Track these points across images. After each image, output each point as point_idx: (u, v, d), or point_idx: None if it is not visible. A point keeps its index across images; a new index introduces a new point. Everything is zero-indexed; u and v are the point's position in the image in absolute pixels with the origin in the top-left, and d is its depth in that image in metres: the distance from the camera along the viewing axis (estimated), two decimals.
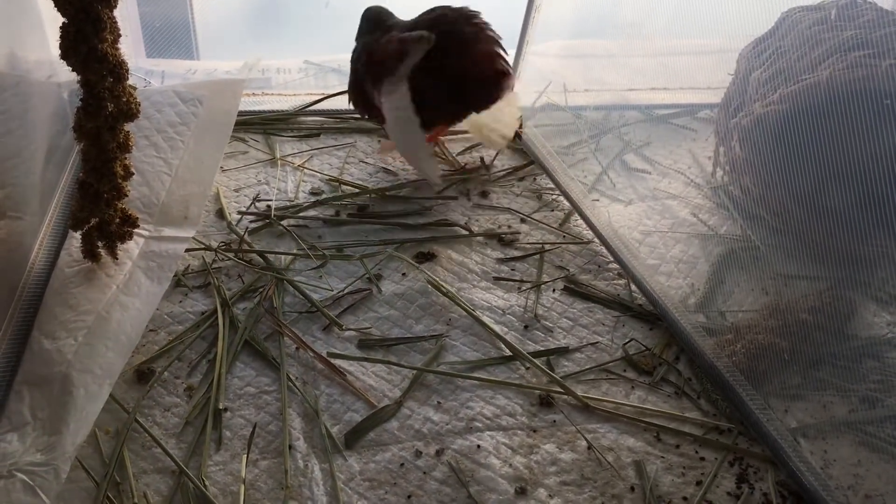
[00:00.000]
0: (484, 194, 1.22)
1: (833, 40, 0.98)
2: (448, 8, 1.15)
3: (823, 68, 0.96)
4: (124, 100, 0.85)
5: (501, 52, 1.14)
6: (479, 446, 0.81)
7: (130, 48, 1.52)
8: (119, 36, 0.83)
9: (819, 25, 1.02)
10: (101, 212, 0.93)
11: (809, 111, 0.91)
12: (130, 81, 0.88)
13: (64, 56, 0.81)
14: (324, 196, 1.19)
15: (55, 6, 0.79)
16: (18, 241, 0.95)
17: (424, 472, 0.78)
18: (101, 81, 0.82)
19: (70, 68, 0.82)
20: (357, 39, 1.23)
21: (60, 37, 0.80)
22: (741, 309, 0.98)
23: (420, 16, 1.17)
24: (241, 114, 1.31)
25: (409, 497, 0.76)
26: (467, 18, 1.14)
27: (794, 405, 0.85)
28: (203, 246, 1.07)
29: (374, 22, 1.21)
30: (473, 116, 1.20)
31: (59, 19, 0.82)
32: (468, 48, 1.12)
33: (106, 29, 0.80)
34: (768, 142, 1.00)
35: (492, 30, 1.15)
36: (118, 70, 0.83)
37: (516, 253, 1.09)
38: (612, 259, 1.08)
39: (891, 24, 0.97)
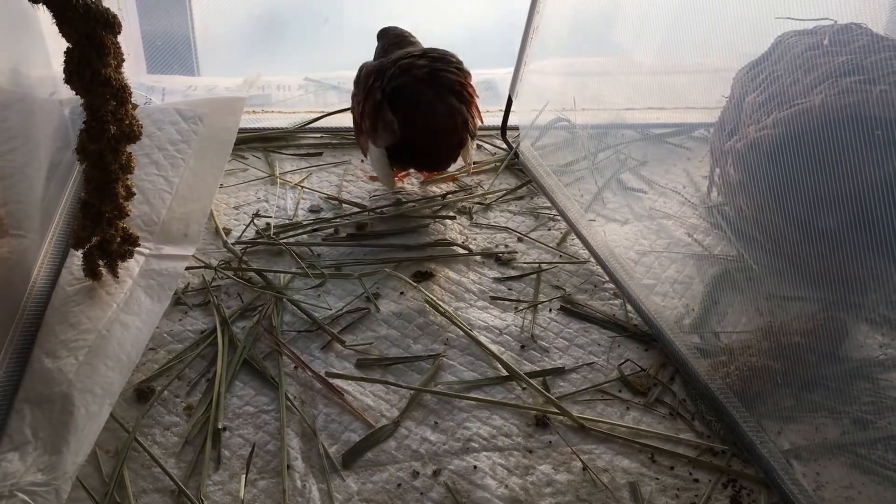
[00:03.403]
0: (482, 213, 1.23)
1: (826, 65, 1.00)
2: (439, 70, 1.16)
3: (817, 93, 0.97)
4: (127, 122, 0.86)
5: (466, 119, 1.16)
6: (475, 467, 0.82)
7: (132, 64, 1.53)
8: (122, 60, 0.84)
9: (813, 50, 1.03)
10: (102, 231, 0.93)
11: (803, 136, 0.93)
12: (132, 101, 0.89)
13: (68, 80, 0.82)
14: (323, 214, 1.20)
15: (59, 32, 0.80)
16: (20, 259, 0.96)
17: (421, 493, 0.79)
18: (105, 105, 0.83)
19: (74, 92, 0.84)
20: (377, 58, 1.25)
21: (65, 61, 0.82)
22: (735, 330, 0.99)
23: (406, 59, 1.17)
24: (240, 131, 1.32)
25: None
26: (446, 90, 1.15)
27: (787, 427, 0.86)
28: (203, 264, 1.08)
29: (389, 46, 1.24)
30: None
31: (62, 37, 0.83)
32: (434, 123, 1.15)
33: (109, 54, 0.81)
34: (762, 165, 1.01)
35: (464, 95, 1.17)
36: (121, 94, 0.84)
37: (513, 272, 1.10)
38: (608, 279, 1.09)
39: (883, 50, 0.98)
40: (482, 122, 1.23)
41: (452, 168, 1.28)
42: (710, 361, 0.92)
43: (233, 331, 0.97)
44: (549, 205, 1.25)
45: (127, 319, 0.94)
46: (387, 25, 1.28)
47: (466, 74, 1.18)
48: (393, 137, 1.13)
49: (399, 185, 1.29)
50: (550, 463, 0.83)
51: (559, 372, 0.94)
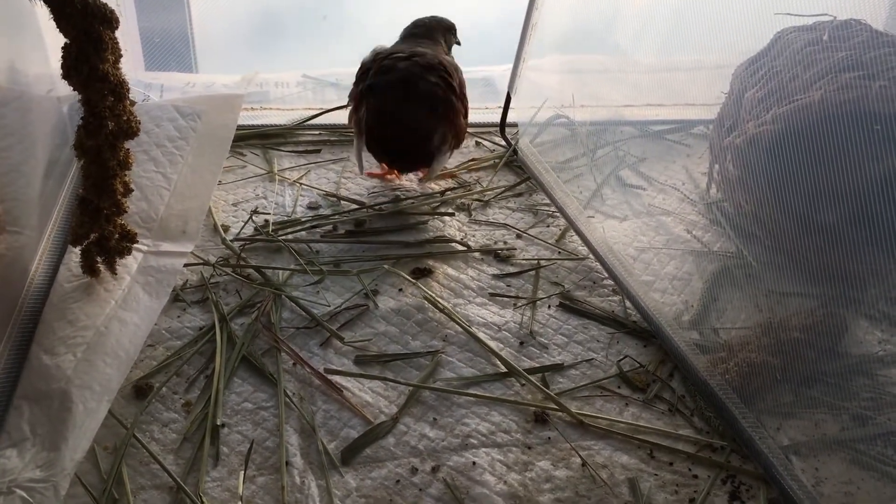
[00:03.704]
0: (480, 210, 1.23)
1: (826, 61, 1.00)
2: (415, 76, 1.14)
3: (816, 89, 0.97)
4: (125, 118, 0.86)
5: (431, 132, 1.15)
6: (474, 463, 0.82)
7: (130, 61, 1.53)
8: (120, 56, 0.84)
9: (812, 46, 1.03)
10: (100, 228, 0.93)
11: (802, 132, 0.92)
12: (130, 97, 0.89)
13: (66, 76, 0.82)
14: (321, 211, 1.20)
15: (57, 27, 0.80)
16: (18, 255, 0.96)
17: (420, 489, 0.79)
18: (102, 100, 0.83)
19: (71, 88, 0.83)
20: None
21: (62, 57, 0.81)
22: (734, 326, 0.99)
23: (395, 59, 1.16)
24: (238, 128, 1.32)
25: None
26: (417, 98, 1.14)
27: (786, 423, 0.86)
28: (201, 261, 1.07)
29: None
30: None
31: (60, 34, 0.83)
32: (394, 130, 1.16)
33: (107, 49, 0.81)
34: (761, 161, 1.01)
35: (437, 108, 1.14)
36: (119, 89, 0.84)
37: (512, 269, 1.10)
38: (606, 275, 1.09)
39: (883, 46, 0.98)
40: (460, 141, 1.22)
41: (450, 165, 1.28)
42: (709, 358, 0.92)
43: (231, 327, 0.96)
44: (547, 201, 1.25)
45: (125, 316, 0.94)
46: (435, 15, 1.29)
47: (452, 87, 1.16)
48: (361, 135, 1.18)
49: (398, 181, 1.29)
50: (549, 459, 0.83)
51: (558, 368, 0.94)
